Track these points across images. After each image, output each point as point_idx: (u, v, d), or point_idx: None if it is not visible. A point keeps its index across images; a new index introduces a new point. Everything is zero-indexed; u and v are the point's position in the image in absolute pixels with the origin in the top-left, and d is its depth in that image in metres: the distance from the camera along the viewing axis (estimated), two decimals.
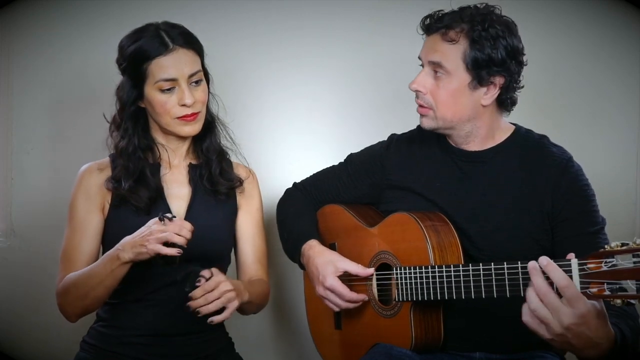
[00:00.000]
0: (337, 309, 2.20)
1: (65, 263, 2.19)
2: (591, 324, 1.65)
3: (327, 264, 2.18)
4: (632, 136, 2.83)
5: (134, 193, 2.19)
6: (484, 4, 2.10)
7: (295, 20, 2.77)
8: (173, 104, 2.18)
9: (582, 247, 1.84)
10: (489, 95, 2.08)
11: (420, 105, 2.12)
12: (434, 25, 2.08)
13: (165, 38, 2.18)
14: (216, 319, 2.02)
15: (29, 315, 2.69)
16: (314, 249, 2.25)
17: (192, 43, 2.21)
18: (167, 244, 1.97)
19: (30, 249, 2.70)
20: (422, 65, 2.12)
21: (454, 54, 2.05)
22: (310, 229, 2.33)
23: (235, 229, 2.35)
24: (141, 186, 2.20)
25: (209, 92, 2.29)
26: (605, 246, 1.62)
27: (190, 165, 2.30)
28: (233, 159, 2.40)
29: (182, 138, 2.27)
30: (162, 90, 2.17)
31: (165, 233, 1.97)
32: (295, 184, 2.50)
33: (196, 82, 2.20)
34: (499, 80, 2.07)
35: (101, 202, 2.21)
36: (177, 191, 2.27)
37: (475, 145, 2.14)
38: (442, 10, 2.09)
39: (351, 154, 2.41)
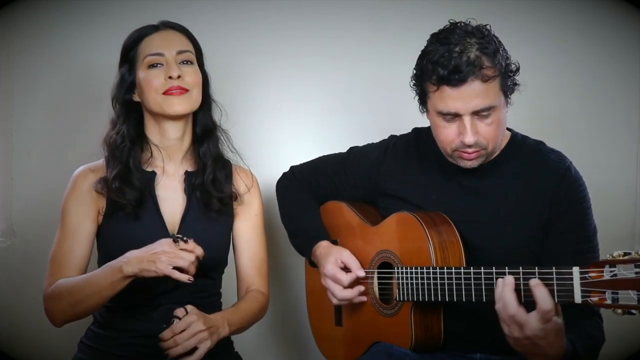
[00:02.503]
0: (334, 301, 2.20)
1: (55, 267, 2.16)
2: (550, 338, 1.76)
3: (329, 255, 2.20)
4: (632, 136, 2.84)
5: (120, 195, 2.16)
6: (461, 22, 2.03)
7: (295, 20, 2.76)
8: (160, 80, 2.16)
9: (569, 260, 1.89)
10: (509, 103, 2.06)
11: (474, 152, 2.01)
12: (468, 72, 1.93)
13: (156, 23, 2.22)
14: None
15: (28, 315, 2.69)
16: (322, 247, 2.26)
17: (182, 28, 2.24)
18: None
19: (30, 249, 2.70)
20: (452, 116, 2.00)
21: (495, 89, 1.97)
22: (320, 228, 2.34)
23: (232, 235, 2.33)
24: (127, 187, 2.17)
25: (210, 97, 2.29)
26: (608, 255, 1.64)
27: (187, 173, 2.27)
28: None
29: (177, 135, 2.23)
30: (149, 67, 2.17)
31: (178, 259, 1.96)
32: (292, 169, 2.48)
33: (186, 62, 2.19)
34: (513, 87, 2.06)
35: (95, 209, 2.19)
36: (172, 199, 2.24)
37: None
38: (447, 51, 1.96)
39: (352, 148, 2.40)
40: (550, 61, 2.79)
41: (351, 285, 2.16)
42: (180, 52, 2.19)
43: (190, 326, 1.99)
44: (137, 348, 2.17)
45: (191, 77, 2.19)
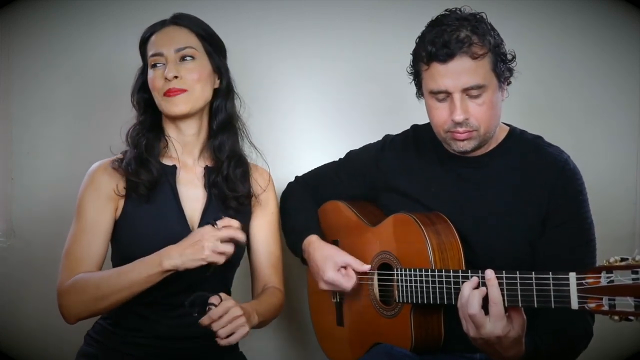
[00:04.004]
0: (349, 288, 2.20)
1: (71, 262, 2.12)
2: (504, 344, 1.84)
3: (326, 259, 2.20)
4: (632, 136, 2.83)
5: (135, 175, 2.15)
6: (456, 8, 2.05)
7: (296, 20, 2.76)
8: (160, 81, 2.15)
9: (559, 257, 1.96)
10: (505, 90, 2.08)
11: (465, 132, 2.02)
12: (456, 48, 1.96)
13: (161, 21, 2.21)
14: (222, 342, 1.98)
15: (28, 315, 2.70)
16: (313, 244, 2.26)
17: (187, 22, 2.21)
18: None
19: (30, 249, 2.70)
20: (444, 95, 2.02)
21: (486, 68, 1.99)
22: (310, 224, 2.34)
23: (248, 233, 2.31)
24: (143, 170, 2.16)
25: (229, 87, 2.27)
26: (604, 261, 1.64)
27: (207, 168, 2.26)
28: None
29: (191, 131, 2.23)
30: (152, 67, 2.17)
31: (225, 248, 1.97)
32: (297, 178, 2.50)
33: (186, 58, 2.17)
34: (508, 74, 2.07)
35: (114, 201, 2.17)
36: (193, 193, 2.23)
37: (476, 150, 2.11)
38: (439, 30, 1.99)
39: (350, 151, 2.41)
40: (550, 61, 2.79)
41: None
42: (178, 50, 2.17)
43: (228, 311, 1.97)
44: (146, 349, 2.17)
45: (191, 74, 2.17)
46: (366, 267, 2.18)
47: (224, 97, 2.27)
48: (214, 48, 2.24)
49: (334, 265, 2.19)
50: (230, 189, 2.24)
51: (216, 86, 2.26)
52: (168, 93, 2.15)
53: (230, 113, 2.28)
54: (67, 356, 2.27)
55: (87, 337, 2.25)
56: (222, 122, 2.26)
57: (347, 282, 2.19)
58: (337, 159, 2.44)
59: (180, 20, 2.22)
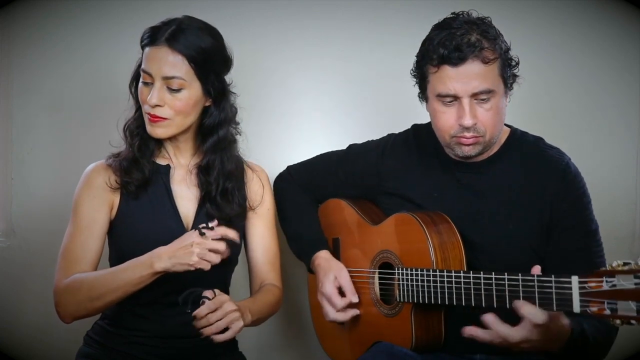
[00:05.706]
0: (328, 318, 2.22)
1: (68, 261, 2.13)
2: (548, 335, 1.80)
3: (328, 273, 2.23)
4: (632, 136, 2.84)
5: (125, 174, 2.16)
6: (463, 12, 2.05)
7: (297, 21, 2.76)
8: (145, 98, 2.13)
9: (572, 261, 1.95)
10: (509, 96, 2.08)
11: (472, 137, 2.02)
12: (468, 52, 1.95)
13: (161, 29, 2.12)
14: (217, 337, 1.98)
15: (28, 315, 2.70)
16: (320, 258, 2.29)
17: (179, 43, 2.10)
18: None
19: (30, 249, 2.70)
20: (452, 98, 2.01)
21: (495, 73, 1.99)
22: (318, 237, 2.35)
23: (244, 231, 2.31)
24: (134, 169, 2.16)
25: (224, 111, 2.21)
26: (607, 265, 1.64)
27: (200, 167, 2.23)
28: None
29: (180, 138, 2.22)
30: (144, 82, 2.14)
31: (209, 255, 1.96)
32: (290, 171, 2.48)
33: (174, 89, 2.11)
34: (512, 80, 2.07)
35: (109, 201, 2.17)
36: (186, 192, 2.23)
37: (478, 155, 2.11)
38: (449, 33, 1.98)
39: (350, 146, 2.40)
40: (549, 61, 2.79)
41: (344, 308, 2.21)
42: (166, 78, 2.10)
43: (222, 305, 1.98)
44: (146, 348, 2.17)
45: (175, 104, 2.12)
46: (355, 299, 2.20)
47: (215, 117, 2.21)
48: (209, 71, 2.15)
49: (333, 280, 2.21)
50: (219, 211, 2.21)
51: (207, 104, 2.20)
52: (149, 115, 2.13)
53: (222, 137, 2.23)
54: (67, 356, 2.27)
55: (86, 337, 2.25)
56: (213, 144, 2.22)
57: (333, 309, 2.21)
58: (335, 150, 2.42)
59: (175, 43, 2.10)
